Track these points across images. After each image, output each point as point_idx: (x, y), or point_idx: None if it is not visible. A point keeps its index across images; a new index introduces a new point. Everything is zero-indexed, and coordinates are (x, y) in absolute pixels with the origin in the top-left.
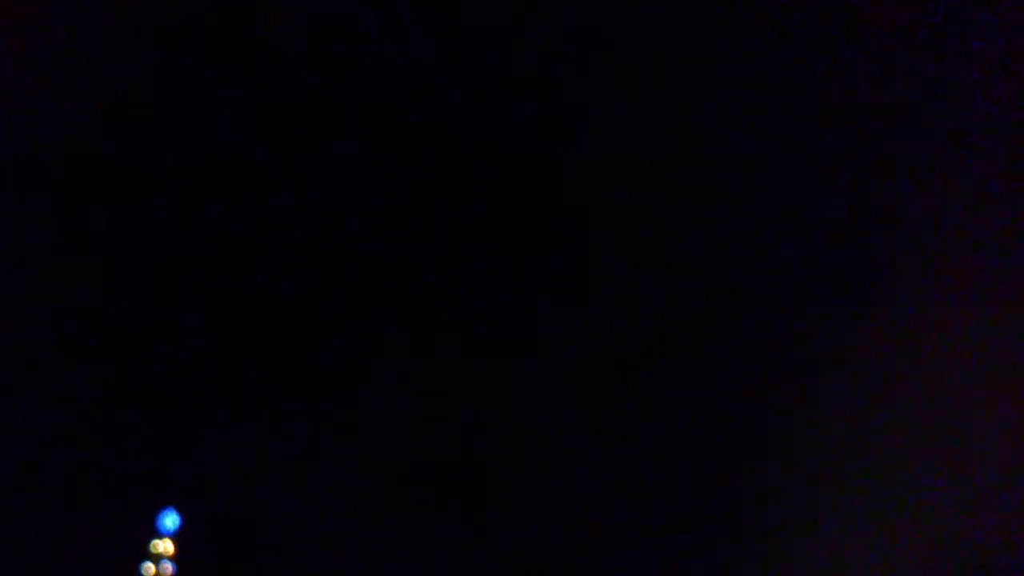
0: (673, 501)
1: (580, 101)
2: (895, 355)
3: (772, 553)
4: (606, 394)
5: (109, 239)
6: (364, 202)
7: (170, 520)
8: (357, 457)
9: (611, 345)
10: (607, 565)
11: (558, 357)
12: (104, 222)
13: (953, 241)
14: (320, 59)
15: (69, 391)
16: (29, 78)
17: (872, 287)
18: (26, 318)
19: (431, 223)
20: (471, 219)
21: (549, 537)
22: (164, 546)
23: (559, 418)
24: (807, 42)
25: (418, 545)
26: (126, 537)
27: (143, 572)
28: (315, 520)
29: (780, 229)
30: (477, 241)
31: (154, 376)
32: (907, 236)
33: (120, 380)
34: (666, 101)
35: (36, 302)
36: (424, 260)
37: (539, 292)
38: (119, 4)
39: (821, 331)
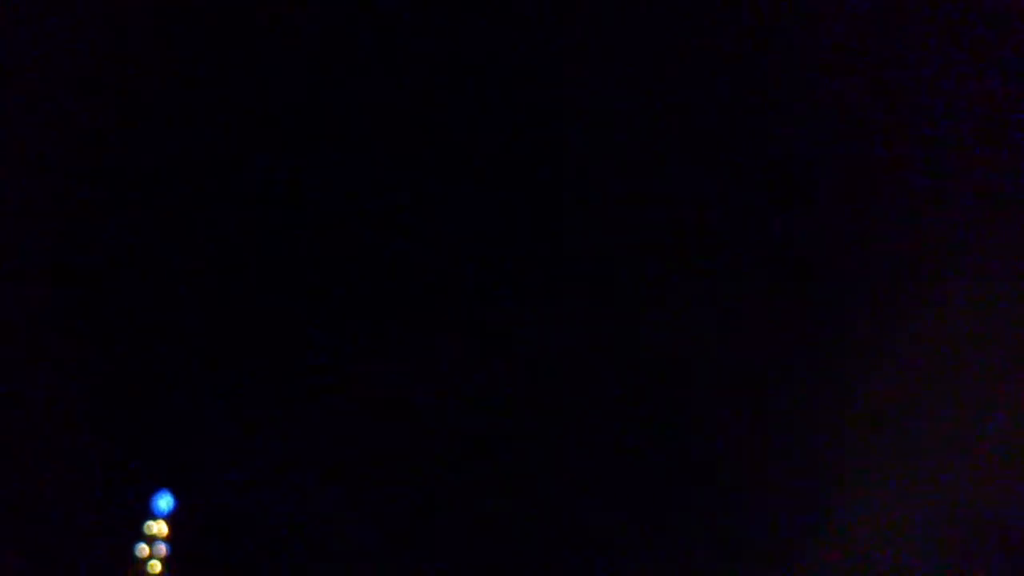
0: (677, 499)
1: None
2: (899, 352)
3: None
4: (606, 394)
5: (108, 236)
6: (360, 197)
7: (164, 502)
8: (346, 442)
9: (613, 346)
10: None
11: (561, 356)
12: (104, 218)
13: (958, 239)
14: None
15: (67, 378)
16: (30, 79)
17: (878, 284)
18: (29, 309)
19: (429, 219)
20: (471, 217)
21: (546, 536)
22: (158, 527)
23: (561, 417)
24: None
25: (407, 532)
26: (121, 518)
27: (137, 553)
28: (306, 503)
29: (787, 229)
30: (479, 240)
31: (149, 363)
32: (912, 236)
33: (116, 367)
34: (667, 100)
35: (39, 294)
36: (426, 256)
37: (541, 293)
38: (120, 4)
39: (828, 328)
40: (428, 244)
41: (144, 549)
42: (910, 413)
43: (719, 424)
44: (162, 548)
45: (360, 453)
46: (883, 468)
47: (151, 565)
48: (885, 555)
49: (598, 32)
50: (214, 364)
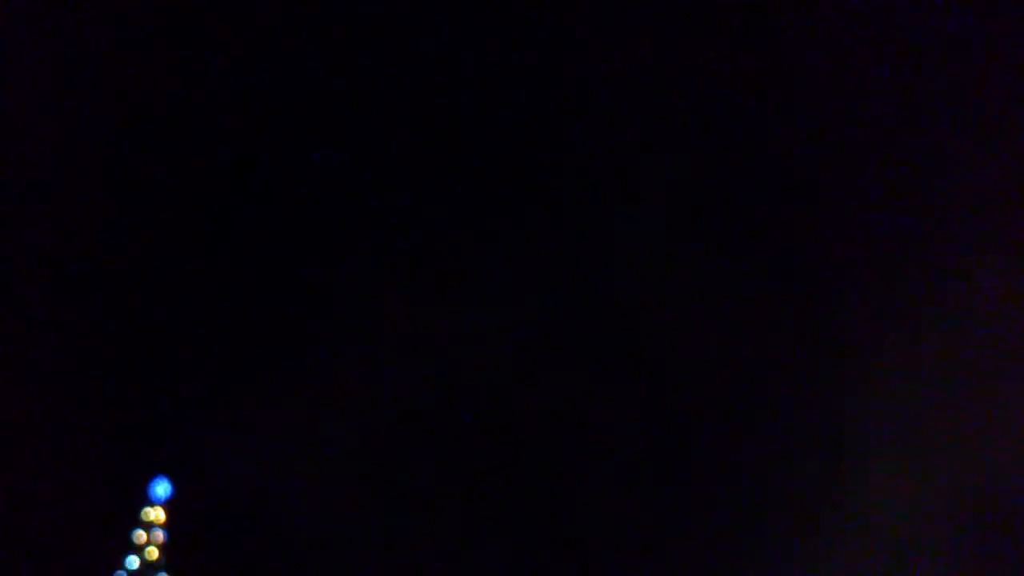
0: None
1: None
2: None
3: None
4: (605, 395)
5: (105, 224)
6: (357, 188)
7: (162, 489)
8: (344, 429)
9: (612, 346)
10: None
11: (562, 356)
12: (101, 214)
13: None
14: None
15: (64, 366)
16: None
17: (877, 285)
18: (28, 295)
19: (432, 216)
20: (475, 219)
21: (545, 535)
22: (156, 514)
23: (561, 417)
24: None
25: (406, 520)
26: (119, 505)
27: (135, 539)
28: (303, 489)
29: (786, 229)
30: (478, 242)
31: (147, 351)
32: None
33: (114, 354)
34: (669, 99)
35: (38, 281)
36: (424, 252)
37: (539, 294)
38: (120, 4)
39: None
40: (428, 240)
41: (141, 535)
42: (912, 410)
43: (721, 421)
44: (159, 534)
45: (359, 440)
46: (885, 465)
47: (148, 551)
48: (888, 548)
49: (600, 30)
50: (211, 351)
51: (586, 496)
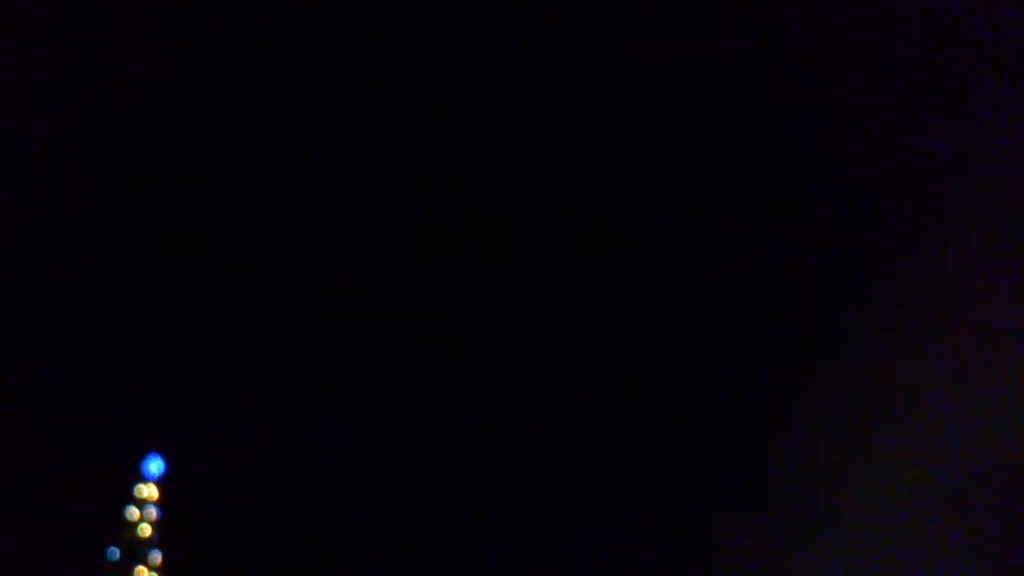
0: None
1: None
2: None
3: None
4: (604, 394)
5: (94, 203)
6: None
7: (155, 466)
8: (334, 406)
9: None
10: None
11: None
12: (99, 206)
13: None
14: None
15: (56, 341)
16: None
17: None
18: (18, 272)
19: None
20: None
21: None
22: (148, 491)
23: (561, 415)
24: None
25: (403, 498)
26: (111, 482)
27: (127, 516)
28: (295, 467)
29: (785, 227)
30: (485, 245)
31: (140, 326)
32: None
33: (106, 330)
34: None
35: (29, 258)
36: (423, 236)
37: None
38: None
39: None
40: (428, 236)
41: (134, 512)
42: (912, 407)
43: (720, 420)
44: (152, 512)
45: (355, 418)
46: (884, 463)
47: (141, 528)
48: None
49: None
50: (205, 326)
51: (587, 496)
